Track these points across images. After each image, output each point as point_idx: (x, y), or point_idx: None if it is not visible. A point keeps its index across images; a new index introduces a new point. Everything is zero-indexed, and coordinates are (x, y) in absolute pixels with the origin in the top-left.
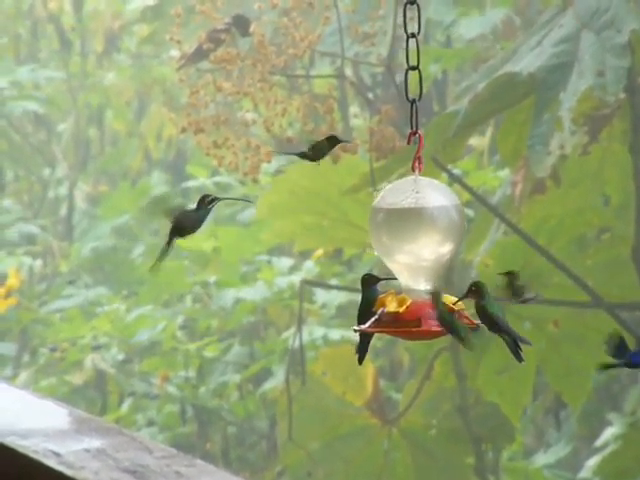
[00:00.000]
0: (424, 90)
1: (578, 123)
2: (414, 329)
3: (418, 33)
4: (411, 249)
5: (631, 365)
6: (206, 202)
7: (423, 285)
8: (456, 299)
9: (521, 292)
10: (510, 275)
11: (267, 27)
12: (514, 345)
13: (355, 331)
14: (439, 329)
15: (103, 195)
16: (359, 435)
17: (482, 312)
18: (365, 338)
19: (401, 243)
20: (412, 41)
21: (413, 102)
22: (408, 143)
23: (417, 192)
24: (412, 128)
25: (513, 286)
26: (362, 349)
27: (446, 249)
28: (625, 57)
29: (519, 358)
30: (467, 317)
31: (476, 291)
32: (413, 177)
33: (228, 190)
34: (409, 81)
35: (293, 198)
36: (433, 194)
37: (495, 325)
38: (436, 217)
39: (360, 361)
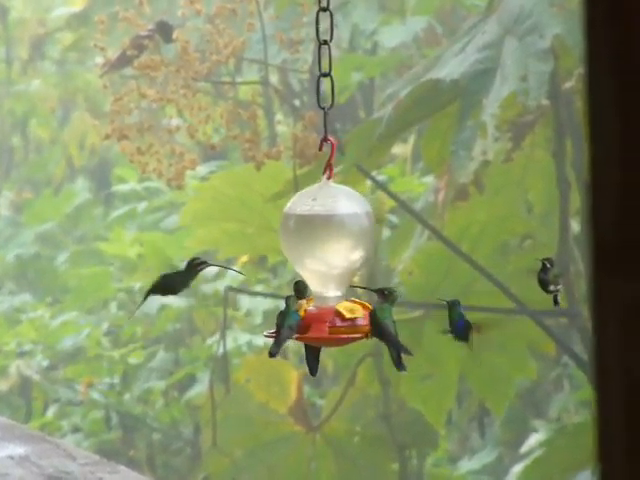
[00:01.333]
0: (348, 96)
1: (502, 130)
2: (306, 335)
3: (330, 40)
4: (321, 255)
5: (456, 333)
6: (194, 265)
7: (333, 292)
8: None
9: (556, 281)
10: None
11: (192, 34)
12: (397, 354)
13: (265, 336)
14: (326, 336)
15: (27, 202)
16: (283, 442)
17: (373, 318)
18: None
19: (311, 249)
20: (331, 48)
21: (324, 109)
22: (320, 150)
23: (328, 199)
24: (324, 135)
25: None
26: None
27: (356, 256)
28: (548, 62)
29: (401, 367)
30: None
31: (385, 296)
32: (324, 183)
33: (157, 195)
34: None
35: (216, 205)
36: (344, 201)
37: (382, 332)
38: (347, 224)
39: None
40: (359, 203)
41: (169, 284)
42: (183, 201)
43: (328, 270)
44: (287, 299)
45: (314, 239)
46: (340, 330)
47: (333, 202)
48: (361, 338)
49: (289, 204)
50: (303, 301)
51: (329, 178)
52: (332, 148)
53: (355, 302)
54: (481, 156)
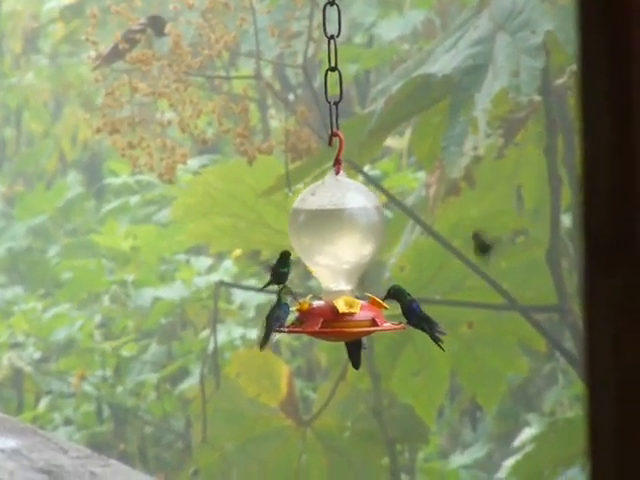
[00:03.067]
0: (344, 88)
1: (493, 126)
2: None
3: (338, 35)
4: (331, 250)
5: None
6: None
7: (343, 286)
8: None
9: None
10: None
11: (184, 28)
12: (434, 337)
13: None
14: (316, 330)
15: (19, 195)
16: (273, 437)
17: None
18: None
19: (322, 245)
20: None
21: (333, 103)
22: (329, 144)
23: (338, 193)
24: (332, 129)
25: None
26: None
27: (367, 250)
28: (539, 58)
29: (441, 347)
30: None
31: (395, 294)
32: (334, 178)
33: (149, 188)
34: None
35: (208, 200)
36: (353, 195)
37: (421, 319)
38: (356, 218)
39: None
40: (368, 197)
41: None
42: (175, 195)
43: (338, 265)
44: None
45: (324, 234)
46: (332, 325)
47: (342, 196)
48: (365, 333)
49: (298, 199)
50: (307, 297)
51: (338, 172)
52: (340, 143)
53: (367, 297)
54: (472, 152)
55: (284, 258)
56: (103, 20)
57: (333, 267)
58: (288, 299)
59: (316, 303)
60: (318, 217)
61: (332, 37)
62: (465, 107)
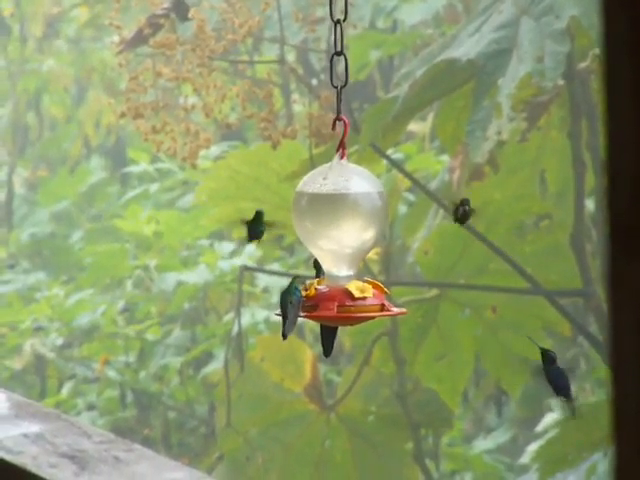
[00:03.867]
0: (367, 74)
1: (517, 110)
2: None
3: (345, 19)
4: (334, 235)
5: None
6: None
7: (345, 271)
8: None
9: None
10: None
11: (207, 12)
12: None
13: (276, 315)
14: (334, 315)
15: (42, 181)
16: (297, 421)
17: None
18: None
19: (324, 228)
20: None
21: (338, 88)
22: (332, 129)
23: (341, 177)
24: (337, 114)
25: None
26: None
27: (369, 235)
28: (564, 43)
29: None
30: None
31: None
32: (337, 162)
33: (169, 176)
34: (349, 67)
35: (232, 184)
36: (357, 180)
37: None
38: (359, 203)
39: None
40: (372, 182)
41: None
42: (196, 181)
43: (340, 249)
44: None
45: (327, 218)
46: (349, 309)
47: (346, 181)
48: (371, 317)
49: (301, 183)
50: (314, 280)
51: (342, 157)
52: (345, 127)
53: (367, 281)
54: (496, 136)
55: (259, 216)
56: (126, 5)
57: (335, 251)
58: (300, 285)
59: (323, 287)
60: (322, 201)
61: (338, 21)
62: (489, 92)
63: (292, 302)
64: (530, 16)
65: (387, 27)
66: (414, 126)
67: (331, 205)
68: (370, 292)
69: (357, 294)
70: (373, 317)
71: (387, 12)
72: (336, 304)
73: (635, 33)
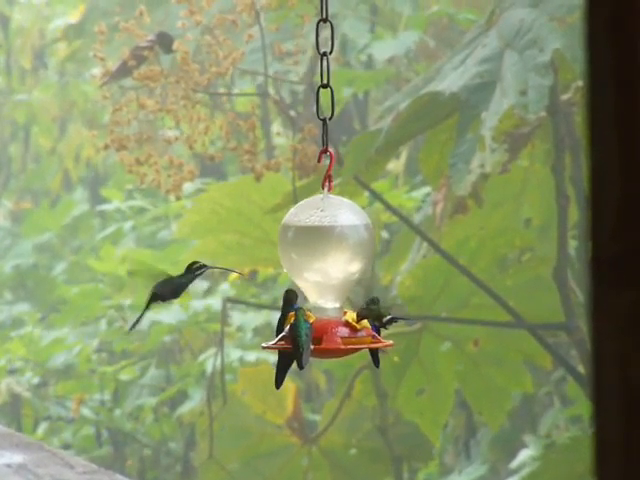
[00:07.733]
0: (340, 109)
1: (498, 141)
2: (316, 346)
3: (330, 52)
4: (320, 267)
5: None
6: (194, 268)
7: (331, 303)
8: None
9: (382, 316)
10: (370, 302)
11: (191, 45)
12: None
13: (263, 348)
14: (342, 347)
15: (25, 212)
16: (279, 454)
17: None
18: (284, 360)
19: (310, 261)
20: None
21: (324, 120)
22: (318, 161)
23: (327, 210)
24: (323, 146)
25: (374, 311)
26: (280, 370)
27: (355, 267)
28: (547, 76)
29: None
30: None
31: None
32: (324, 195)
33: (142, 213)
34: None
35: (214, 217)
36: (343, 212)
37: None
38: (346, 235)
39: (277, 384)
40: (358, 215)
41: (171, 288)
42: (175, 214)
43: (326, 281)
44: (296, 311)
45: (313, 250)
46: (352, 341)
47: (332, 214)
48: (366, 348)
49: (288, 215)
50: (309, 312)
51: (329, 190)
52: (331, 159)
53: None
54: (479, 169)
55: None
56: (110, 37)
57: (321, 283)
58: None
59: (320, 319)
60: (308, 233)
61: (324, 54)
62: (473, 125)
63: (307, 334)
64: (514, 49)
65: (361, 62)
66: (388, 164)
67: (317, 237)
68: (368, 324)
69: (358, 326)
70: (368, 348)
71: (360, 48)
72: (339, 337)
73: (618, 65)
